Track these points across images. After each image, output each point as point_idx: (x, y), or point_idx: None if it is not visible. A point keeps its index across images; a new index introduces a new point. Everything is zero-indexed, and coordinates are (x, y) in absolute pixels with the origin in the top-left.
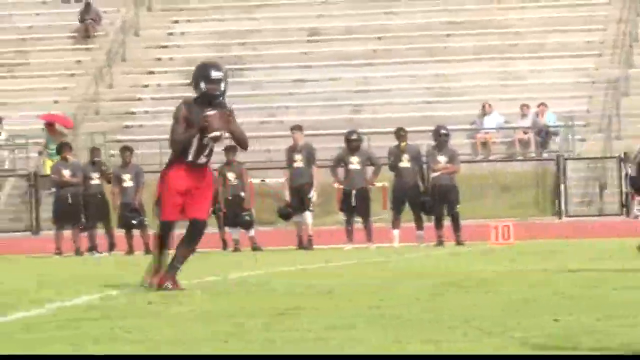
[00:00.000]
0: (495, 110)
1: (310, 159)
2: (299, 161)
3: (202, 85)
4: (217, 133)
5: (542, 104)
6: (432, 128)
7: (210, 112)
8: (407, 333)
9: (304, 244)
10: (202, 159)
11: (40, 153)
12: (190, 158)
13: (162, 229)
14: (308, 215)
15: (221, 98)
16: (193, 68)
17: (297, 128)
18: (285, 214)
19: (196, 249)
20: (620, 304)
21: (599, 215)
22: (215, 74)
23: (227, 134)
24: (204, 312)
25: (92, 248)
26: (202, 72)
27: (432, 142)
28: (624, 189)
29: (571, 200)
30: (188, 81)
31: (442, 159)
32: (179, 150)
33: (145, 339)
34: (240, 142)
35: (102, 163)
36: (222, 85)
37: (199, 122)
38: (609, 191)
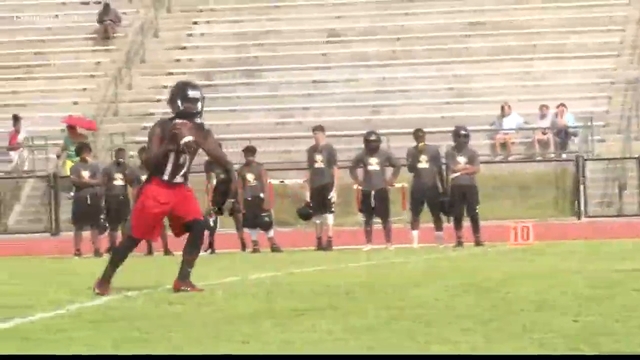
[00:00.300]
0: (515, 111)
1: (331, 159)
2: (319, 161)
3: (179, 103)
4: (188, 138)
5: (562, 104)
6: (452, 129)
7: (179, 121)
8: (426, 334)
9: (323, 245)
10: (178, 179)
11: (58, 156)
12: (166, 177)
13: (128, 244)
14: (329, 217)
15: (198, 118)
16: (212, 69)
17: (318, 128)
18: (305, 214)
19: (197, 250)
20: None
21: (619, 215)
22: (192, 93)
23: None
24: (223, 313)
25: (112, 248)
26: (180, 91)
27: (452, 143)
28: None
29: (590, 200)
30: (208, 82)
31: (461, 159)
32: (153, 167)
33: (165, 339)
34: (217, 160)
35: (125, 165)
36: (199, 104)
37: (169, 133)
38: (628, 192)
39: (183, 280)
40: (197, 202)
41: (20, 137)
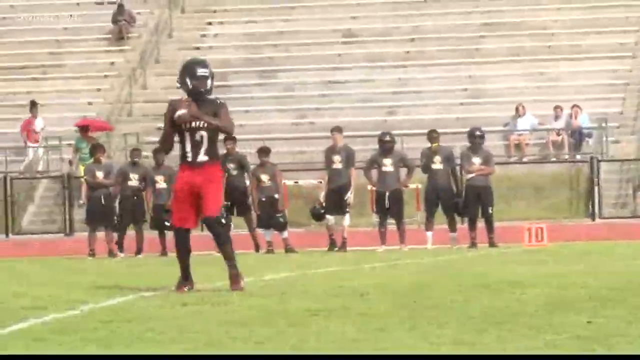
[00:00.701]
0: (529, 112)
1: (349, 160)
2: (337, 162)
3: (188, 82)
4: (180, 112)
5: (576, 105)
6: (466, 130)
7: (177, 98)
8: (440, 335)
9: (336, 245)
10: (202, 157)
11: (70, 163)
12: (189, 159)
13: (177, 237)
14: (345, 217)
15: (208, 95)
16: (226, 70)
17: (337, 129)
18: (317, 215)
19: (226, 242)
20: None
21: (633, 217)
22: (200, 71)
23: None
24: (237, 314)
25: (120, 246)
26: (189, 70)
27: (467, 144)
28: None
29: (605, 201)
30: (222, 83)
31: (476, 160)
32: (167, 148)
33: (179, 340)
34: (224, 132)
35: (140, 165)
36: (208, 82)
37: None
38: None
39: (235, 275)
40: (218, 194)
41: (38, 125)
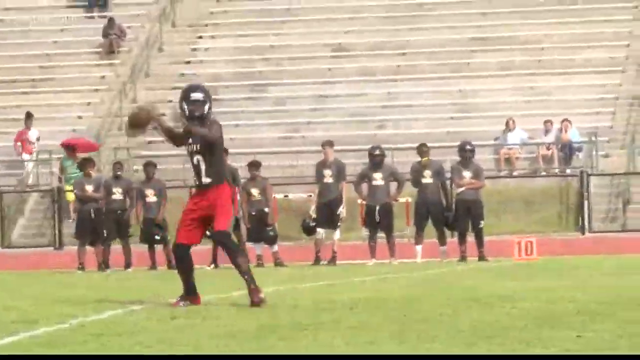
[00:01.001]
0: (519, 126)
1: (340, 174)
2: (328, 177)
3: (185, 106)
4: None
5: (566, 119)
6: (457, 144)
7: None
8: (430, 349)
9: (321, 259)
10: (205, 180)
11: (60, 180)
12: (196, 182)
13: (176, 253)
14: (336, 232)
15: (204, 118)
16: (217, 84)
17: (328, 144)
18: (308, 228)
19: (238, 255)
20: None
21: (622, 231)
22: (194, 96)
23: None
24: (227, 328)
25: (104, 262)
26: (184, 95)
27: (457, 158)
28: None
29: (594, 216)
30: (213, 97)
31: (466, 174)
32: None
33: (168, 353)
34: (174, 139)
35: (123, 178)
36: (204, 106)
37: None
38: (632, 207)
39: (252, 289)
40: (228, 211)
41: (32, 136)
